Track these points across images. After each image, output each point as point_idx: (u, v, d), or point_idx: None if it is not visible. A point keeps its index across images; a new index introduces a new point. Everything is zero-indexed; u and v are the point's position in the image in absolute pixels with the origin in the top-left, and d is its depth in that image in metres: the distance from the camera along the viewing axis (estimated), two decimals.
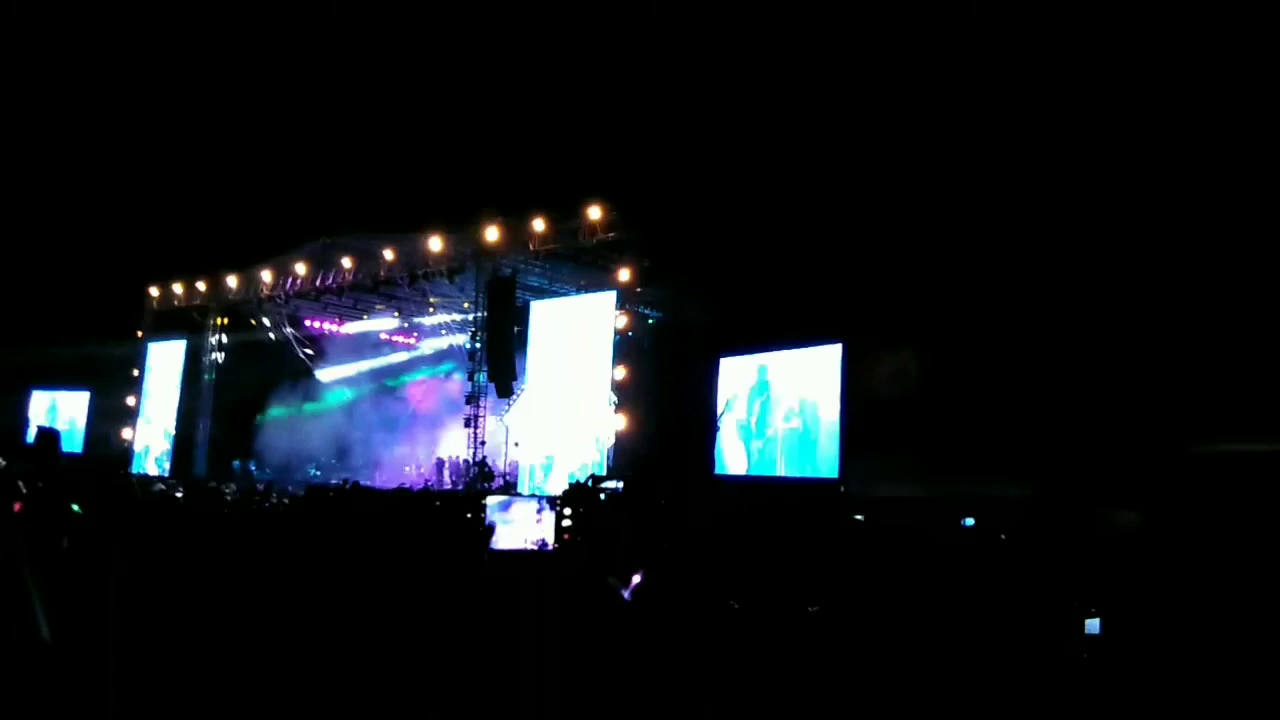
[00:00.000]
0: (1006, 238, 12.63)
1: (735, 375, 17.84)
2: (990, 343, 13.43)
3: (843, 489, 14.86)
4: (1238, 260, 10.81)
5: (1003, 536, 6.78)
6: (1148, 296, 11.53)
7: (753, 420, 17.31)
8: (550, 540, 8.56)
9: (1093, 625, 3.41)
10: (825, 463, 15.76)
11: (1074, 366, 12.24)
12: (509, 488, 18.45)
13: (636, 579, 2.73)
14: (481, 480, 17.92)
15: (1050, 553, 6.09)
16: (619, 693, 2.15)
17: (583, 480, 10.68)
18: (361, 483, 18.80)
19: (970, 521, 9.86)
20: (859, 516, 11.81)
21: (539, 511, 11.33)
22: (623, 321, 17.57)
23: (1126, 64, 11.71)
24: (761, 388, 17.22)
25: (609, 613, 2.16)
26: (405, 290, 21.24)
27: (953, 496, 12.50)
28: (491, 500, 12.09)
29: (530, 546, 9.69)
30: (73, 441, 24.25)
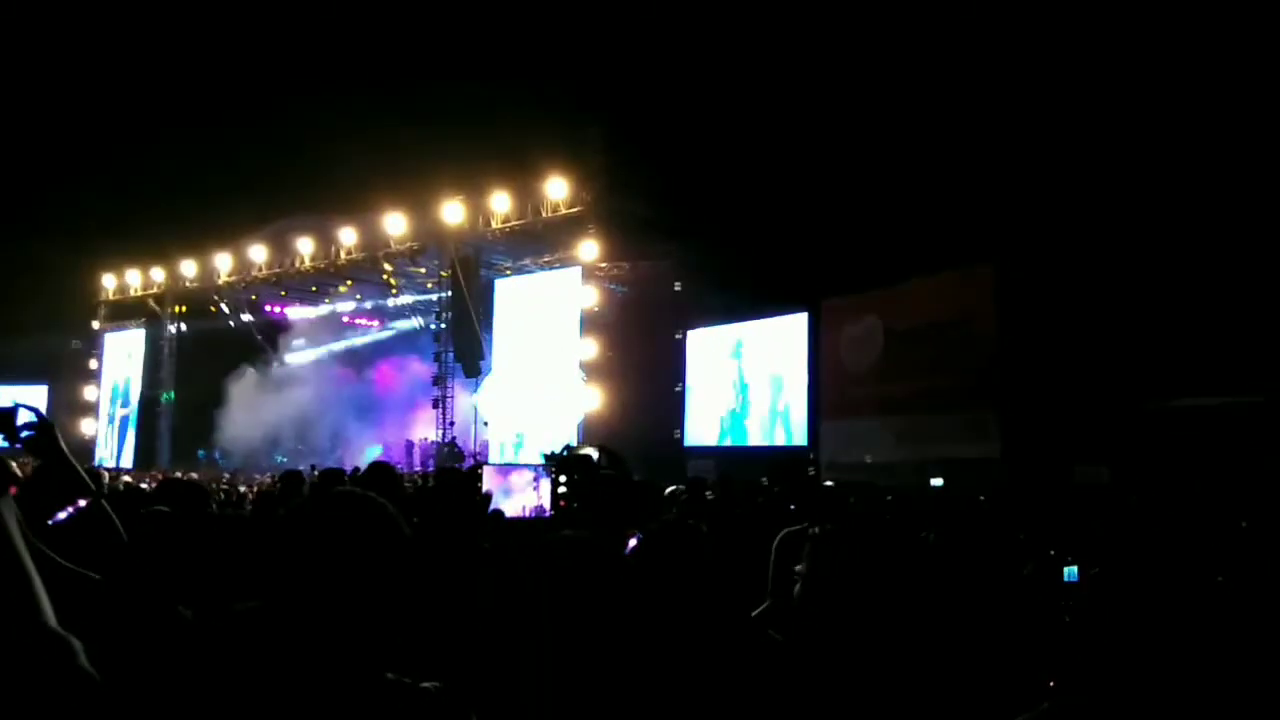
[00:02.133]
0: (973, 198, 12.72)
1: (702, 347, 17.92)
2: (955, 306, 13.56)
3: (812, 455, 15.02)
4: (1197, 218, 10.98)
5: (981, 498, 6.88)
6: (1109, 255, 11.69)
7: (721, 391, 17.41)
8: (547, 507, 8.61)
9: (1071, 573, 3.50)
10: (795, 430, 15.92)
11: (1038, 326, 12.41)
12: (479, 466, 18.41)
13: (632, 543, 2.73)
14: (451, 460, 17.86)
15: (1020, 507, 6.21)
16: (625, 660, 2.17)
17: (556, 451, 10.75)
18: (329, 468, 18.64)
19: (939, 481, 10.01)
20: (829, 482, 11.93)
21: (535, 480, 11.35)
22: (589, 297, 17.52)
23: (1099, 43, 11.83)
24: (729, 358, 17.32)
25: (613, 577, 2.17)
26: (366, 273, 21.04)
27: (921, 459, 12.68)
28: (488, 469, 12.05)
29: (528, 514, 9.72)
30: None
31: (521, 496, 11.28)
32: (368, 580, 1.61)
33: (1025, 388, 12.22)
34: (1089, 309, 11.78)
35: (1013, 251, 12.42)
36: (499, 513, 5.39)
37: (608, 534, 2.84)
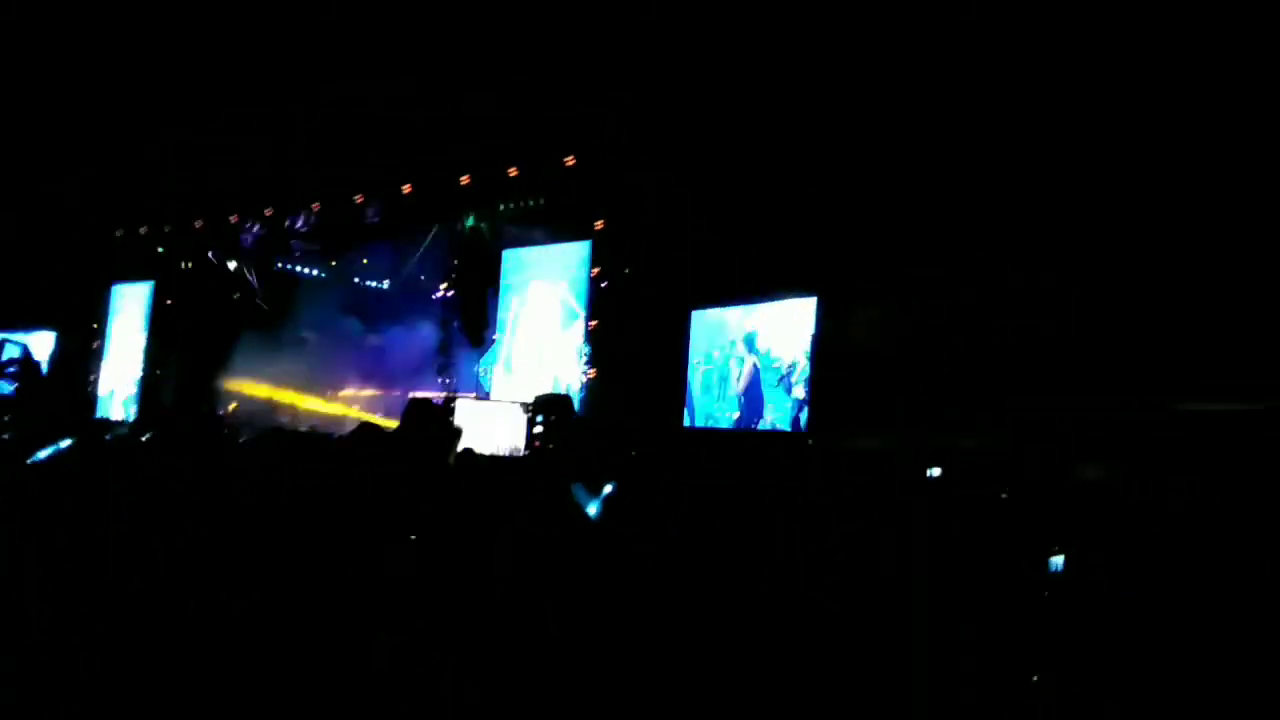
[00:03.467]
0: (980, 189, 12.65)
1: (706, 328, 17.86)
2: (960, 297, 13.50)
3: (810, 441, 14.98)
4: (1214, 218, 10.88)
5: (1003, 495, 6.82)
6: (1125, 255, 11.61)
7: (722, 373, 17.37)
8: (521, 447, 8.58)
9: (1056, 562, 3.47)
10: (784, 411, 15.88)
11: (1047, 321, 12.35)
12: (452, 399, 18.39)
13: (608, 489, 2.71)
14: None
15: (1017, 500, 6.19)
16: (585, 610, 2.15)
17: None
18: (330, 431, 18.73)
19: (936, 471, 9.96)
20: (825, 466, 11.93)
21: (512, 418, 11.31)
22: (596, 271, 17.52)
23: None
24: (732, 341, 17.26)
25: (575, 526, 2.15)
26: (375, 237, 21.03)
27: (920, 448, 12.63)
28: (461, 403, 11.90)
29: (503, 453, 9.70)
30: None
31: (498, 436, 11.23)
32: None
33: (1028, 384, 12.16)
34: (1103, 304, 11.71)
35: (1014, 244, 12.35)
36: (469, 451, 5.37)
37: (584, 479, 2.84)
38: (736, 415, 16.84)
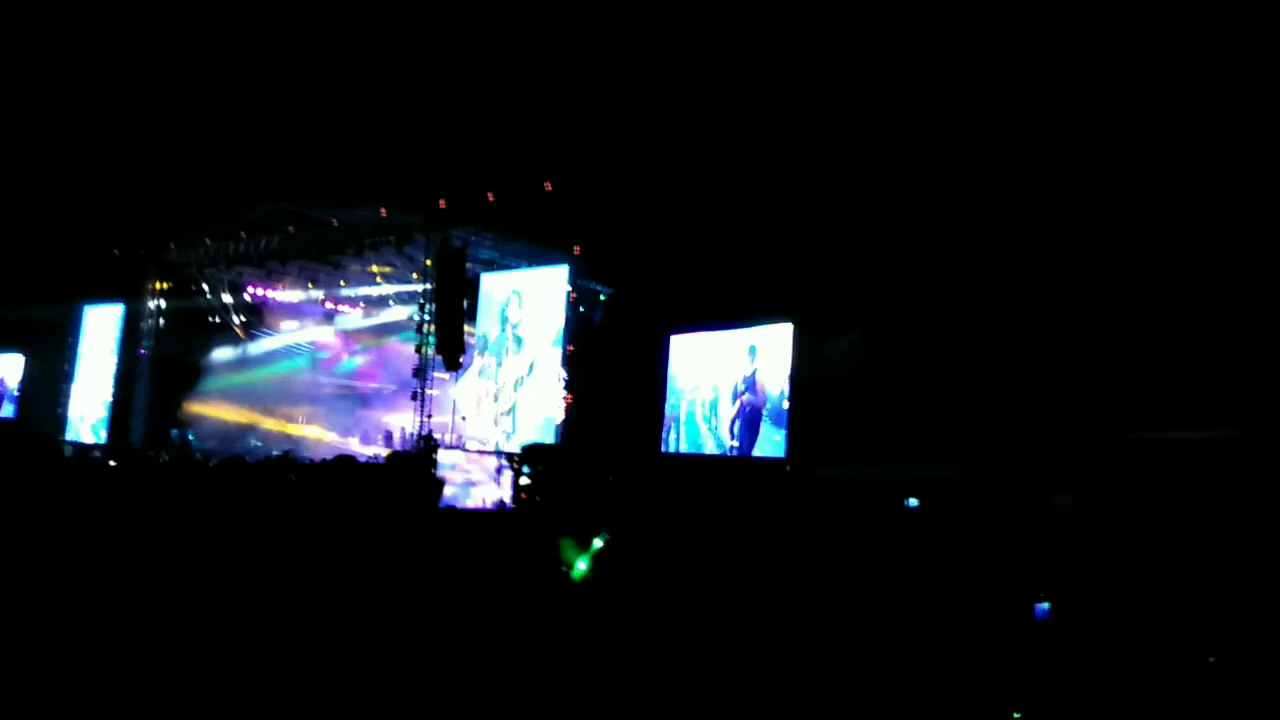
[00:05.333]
0: (949, 222, 12.79)
1: (685, 353, 17.87)
2: (932, 326, 13.61)
3: (788, 468, 15.00)
4: (1176, 248, 11.04)
5: (983, 526, 6.83)
6: (1086, 284, 11.75)
7: (700, 398, 17.37)
8: (508, 500, 8.40)
9: (1042, 610, 3.49)
10: (772, 442, 15.89)
11: (1014, 351, 12.47)
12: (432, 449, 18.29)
13: (598, 543, 2.69)
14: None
15: (993, 533, 6.22)
16: (575, 666, 2.14)
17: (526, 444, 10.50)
18: (303, 454, 18.57)
19: (914, 502, 10.00)
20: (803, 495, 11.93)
21: (498, 470, 11.06)
22: (574, 296, 17.53)
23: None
24: (710, 366, 17.27)
25: (562, 583, 2.14)
26: (351, 260, 20.91)
27: (894, 477, 12.68)
28: (444, 455, 11.76)
29: (488, 506, 9.54)
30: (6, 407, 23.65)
31: (482, 489, 11.12)
32: None
33: (999, 413, 12.27)
34: (1067, 335, 11.85)
35: (982, 275, 12.49)
36: (451, 508, 5.32)
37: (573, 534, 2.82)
38: (732, 444, 16.72)
